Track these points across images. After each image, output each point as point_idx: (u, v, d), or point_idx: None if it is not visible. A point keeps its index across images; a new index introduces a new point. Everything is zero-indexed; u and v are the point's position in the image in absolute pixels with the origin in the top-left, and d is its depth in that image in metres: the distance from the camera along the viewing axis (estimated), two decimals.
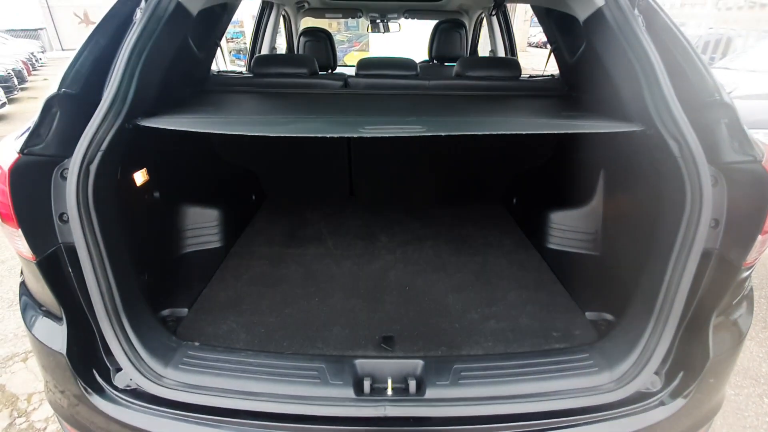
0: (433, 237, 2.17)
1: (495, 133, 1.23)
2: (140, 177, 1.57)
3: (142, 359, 1.16)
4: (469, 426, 1.09)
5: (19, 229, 1.05)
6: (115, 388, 1.15)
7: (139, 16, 1.24)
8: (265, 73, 2.14)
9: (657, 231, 1.25)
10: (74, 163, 1.08)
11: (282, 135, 1.21)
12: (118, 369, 1.16)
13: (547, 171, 2.29)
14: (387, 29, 4.26)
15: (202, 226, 1.95)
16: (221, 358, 1.24)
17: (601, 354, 1.25)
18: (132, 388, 1.15)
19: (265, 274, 1.85)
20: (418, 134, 1.20)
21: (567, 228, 1.92)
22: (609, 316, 1.51)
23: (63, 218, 1.09)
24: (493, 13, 2.39)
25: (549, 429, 1.10)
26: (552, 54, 2.23)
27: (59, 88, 1.12)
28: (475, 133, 1.22)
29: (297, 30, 3.90)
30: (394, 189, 2.63)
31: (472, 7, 3.64)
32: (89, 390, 1.13)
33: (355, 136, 1.21)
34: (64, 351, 1.12)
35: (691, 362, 1.18)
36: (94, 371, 1.16)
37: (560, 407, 1.11)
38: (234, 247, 2.04)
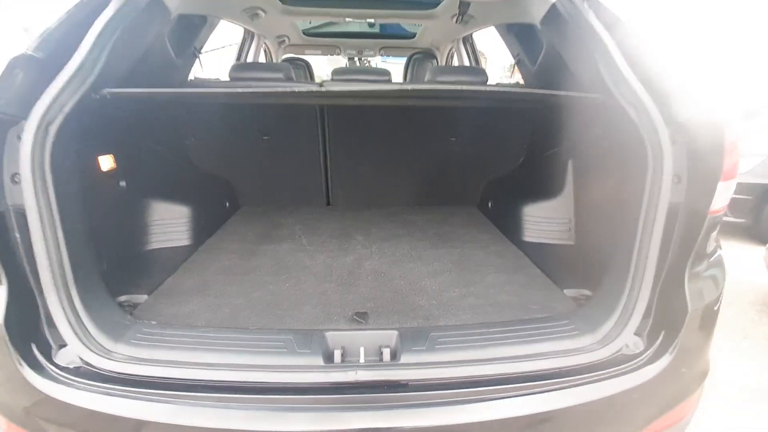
0: (410, 234, 2.15)
1: (473, 90, 1.30)
2: (106, 162, 1.52)
3: (90, 334, 1.06)
4: (448, 390, 1.01)
5: None
6: (56, 365, 1.03)
7: None
8: (242, 77, 2.18)
9: (624, 197, 1.28)
10: (32, 120, 1.04)
11: (248, 91, 1.22)
12: (62, 346, 1.06)
13: (521, 172, 2.34)
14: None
15: (171, 222, 1.88)
16: (179, 334, 1.14)
17: (582, 320, 1.21)
18: (75, 366, 1.04)
19: (235, 266, 1.76)
20: (385, 88, 1.26)
21: (543, 219, 1.93)
22: (587, 292, 1.48)
23: (15, 179, 1.04)
24: (458, 20, 2.56)
25: (531, 392, 1.03)
26: (516, 67, 2.41)
27: (25, 51, 1.11)
28: (452, 88, 1.28)
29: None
30: (370, 196, 2.64)
31: (442, 42, 3.88)
32: (25, 365, 1.01)
33: (322, 90, 1.23)
34: (0, 318, 1.01)
35: (671, 320, 1.14)
36: (33, 346, 1.04)
37: (542, 367, 1.05)
38: (203, 245, 1.96)
